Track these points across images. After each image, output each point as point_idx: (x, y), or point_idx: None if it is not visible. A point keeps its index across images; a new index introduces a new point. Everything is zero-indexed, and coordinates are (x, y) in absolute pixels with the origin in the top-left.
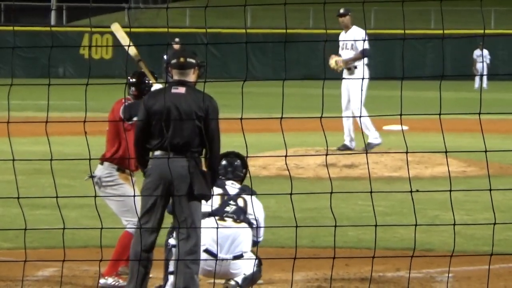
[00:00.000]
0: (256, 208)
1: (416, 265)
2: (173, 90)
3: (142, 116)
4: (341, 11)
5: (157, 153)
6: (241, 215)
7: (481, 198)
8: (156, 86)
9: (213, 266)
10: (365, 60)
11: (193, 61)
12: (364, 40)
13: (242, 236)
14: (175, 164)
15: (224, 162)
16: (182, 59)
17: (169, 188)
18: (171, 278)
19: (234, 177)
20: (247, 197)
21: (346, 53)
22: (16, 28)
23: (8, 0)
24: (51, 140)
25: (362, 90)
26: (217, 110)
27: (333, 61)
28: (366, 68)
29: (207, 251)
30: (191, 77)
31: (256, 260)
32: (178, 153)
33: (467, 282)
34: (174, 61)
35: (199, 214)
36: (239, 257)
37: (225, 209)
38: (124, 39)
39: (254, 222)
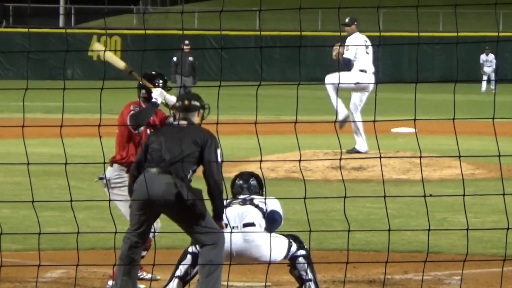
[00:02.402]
0: (269, 200)
1: (425, 268)
2: (175, 123)
3: (143, 146)
4: (346, 20)
5: (148, 170)
6: (247, 201)
7: (488, 201)
8: (156, 92)
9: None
10: (362, 66)
11: (197, 103)
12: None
13: (250, 211)
14: (160, 181)
15: (238, 182)
16: (186, 102)
17: (152, 204)
18: (175, 281)
19: (251, 194)
20: (256, 196)
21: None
22: (25, 30)
23: (18, 2)
24: (59, 141)
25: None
26: (217, 144)
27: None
28: (363, 74)
29: None
30: (196, 119)
31: (296, 245)
32: (166, 171)
33: (475, 284)
34: (179, 103)
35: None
36: (249, 225)
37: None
38: (111, 58)
39: (264, 206)
